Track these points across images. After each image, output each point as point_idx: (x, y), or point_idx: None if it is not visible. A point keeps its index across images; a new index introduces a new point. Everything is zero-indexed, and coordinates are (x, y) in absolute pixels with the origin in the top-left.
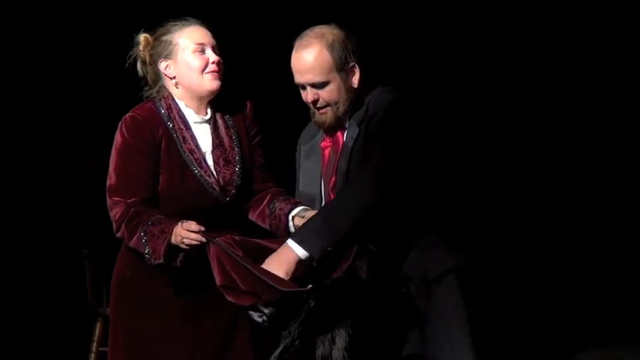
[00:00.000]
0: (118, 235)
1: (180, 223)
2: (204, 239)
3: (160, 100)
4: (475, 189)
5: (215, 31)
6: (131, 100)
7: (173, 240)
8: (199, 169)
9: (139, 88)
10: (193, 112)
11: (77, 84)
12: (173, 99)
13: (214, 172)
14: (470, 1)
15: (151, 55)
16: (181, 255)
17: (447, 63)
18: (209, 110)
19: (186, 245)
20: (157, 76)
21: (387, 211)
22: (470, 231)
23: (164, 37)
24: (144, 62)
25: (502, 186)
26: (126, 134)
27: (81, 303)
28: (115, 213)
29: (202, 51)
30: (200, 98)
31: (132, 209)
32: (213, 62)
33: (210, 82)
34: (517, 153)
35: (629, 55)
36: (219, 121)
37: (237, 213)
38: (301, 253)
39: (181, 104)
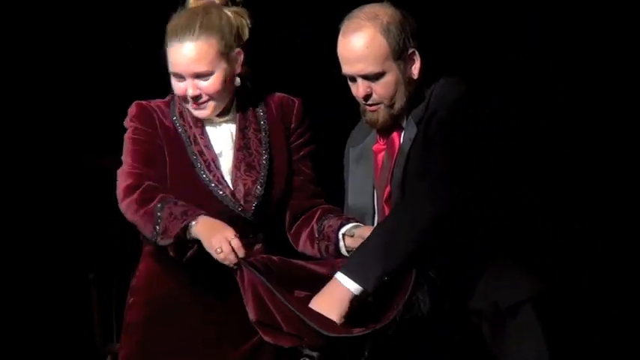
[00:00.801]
0: (123, 204)
1: (232, 232)
2: (239, 265)
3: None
4: (473, 189)
5: (253, 14)
6: (131, 100)
7: (205, 240)
8: (207, 172)
9: (139, 88)
10: None
11: (77, 84)
12: None
13: (228, 179)
14: (469, 1)
15: None
16: (192, 250)
17: (446, 63)
18: (232, 110)
19: (220, 258)
20: None
21: (450, 228)
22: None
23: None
24: None
25: (500, 186)
26: (130, 122)
27: (87, 338)
28: (123, 179)
29: (180, 78)
30: None
31: (147, 182)
32: (190, 96)
33: (192, 110)
34: (516, 153)
35: (628, 55)
36: (250, 121)
37: (263, 230)
38: (354, 288)
39: None
